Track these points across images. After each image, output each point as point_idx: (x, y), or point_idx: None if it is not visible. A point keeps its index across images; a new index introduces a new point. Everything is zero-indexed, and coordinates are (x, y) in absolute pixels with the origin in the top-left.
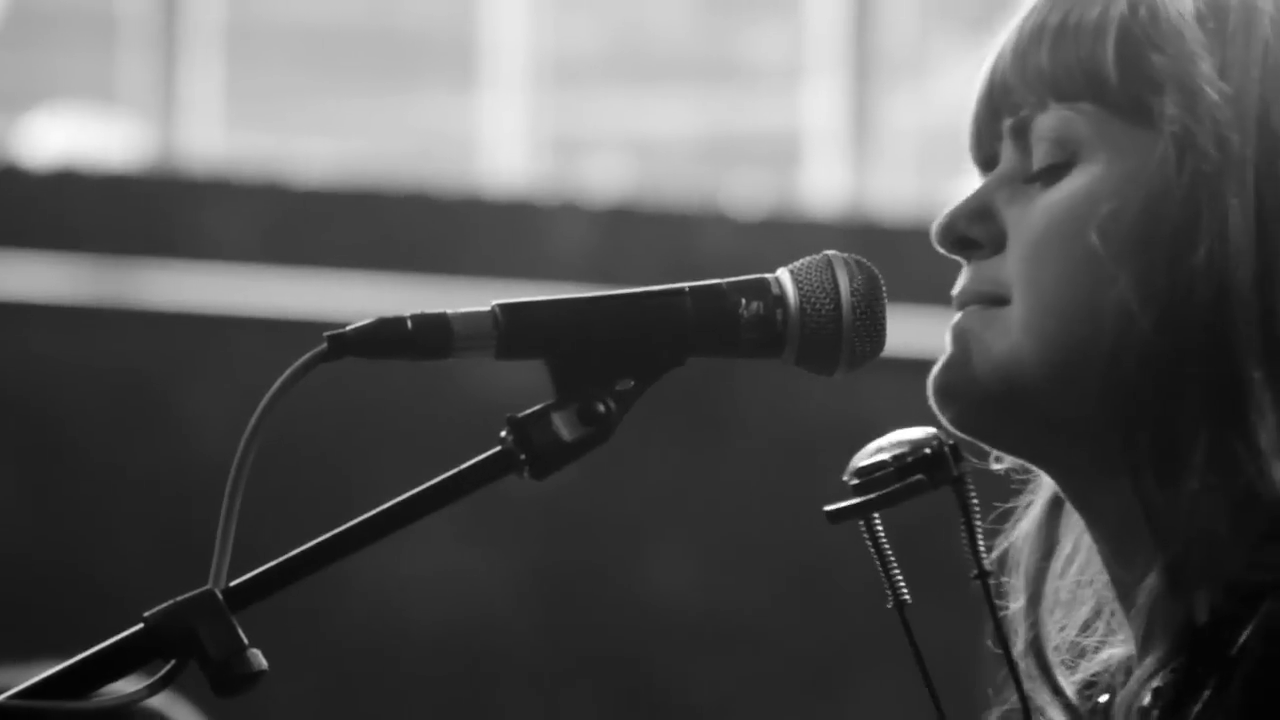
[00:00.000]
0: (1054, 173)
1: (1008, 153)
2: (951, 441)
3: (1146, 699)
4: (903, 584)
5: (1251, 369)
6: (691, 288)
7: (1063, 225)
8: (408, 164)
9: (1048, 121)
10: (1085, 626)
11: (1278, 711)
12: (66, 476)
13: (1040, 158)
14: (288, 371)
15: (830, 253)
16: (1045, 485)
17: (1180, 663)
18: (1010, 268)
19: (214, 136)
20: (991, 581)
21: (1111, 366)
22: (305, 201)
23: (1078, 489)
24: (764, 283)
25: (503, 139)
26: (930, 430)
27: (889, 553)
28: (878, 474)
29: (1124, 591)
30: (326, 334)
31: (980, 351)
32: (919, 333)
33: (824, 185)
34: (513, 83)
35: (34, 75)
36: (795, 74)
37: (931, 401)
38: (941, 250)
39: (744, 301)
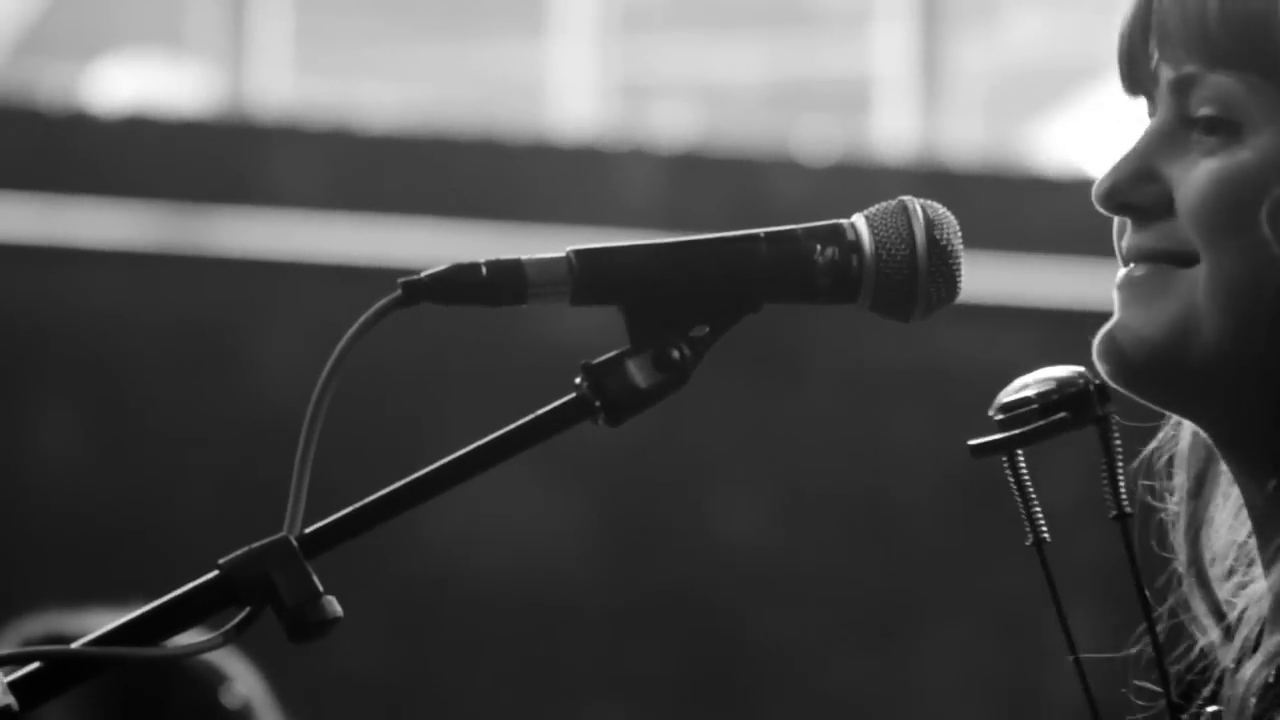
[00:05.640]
0: (1216, 130)
1: (1165, 102)
2: (1098, 381)
3: (1272, 677)
4: (1043, 522)
5: None
6: (767, 234)
7: (1235, 199)
8: (476, 110)
9: (1213, 84)
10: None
11: None
12: (135, 424)
13: (1203, 112)
14: (363, 317)
15: (905, 198)
16: None
17: None
18: (1186, 229)
19: (283, 82)
20: (1131, 520)
21: (1270, 345)
22: (374, 147)
23: (1226, 439)
24: (839, 229)
25: (571, 85)
26: (1077, 369)
27: (1030, 490)
28: (1022, 410)
29: (1262, 554)
30: (401, 280)
31: (1158, 310)
32: (988, 278)
33: (894, 130)
34: (582, 28)
35: (103, 21)
36: (864, 18)
37: (1095, 356)
38: (1104, 212)
39: (819, 247)
